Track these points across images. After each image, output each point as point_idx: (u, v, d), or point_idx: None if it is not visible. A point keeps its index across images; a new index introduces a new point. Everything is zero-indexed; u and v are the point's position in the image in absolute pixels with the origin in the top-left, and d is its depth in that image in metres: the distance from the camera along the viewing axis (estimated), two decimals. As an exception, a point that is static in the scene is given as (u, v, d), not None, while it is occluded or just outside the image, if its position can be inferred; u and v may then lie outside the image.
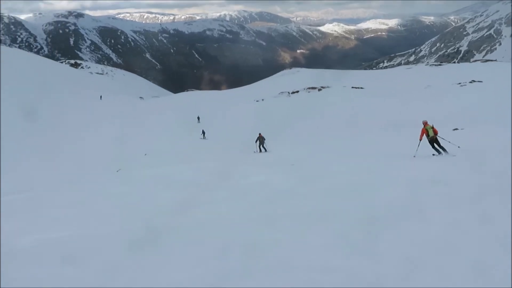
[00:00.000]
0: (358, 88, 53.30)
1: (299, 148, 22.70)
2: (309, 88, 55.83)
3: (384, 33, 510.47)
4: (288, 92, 56.07)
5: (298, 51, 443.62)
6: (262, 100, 54.94)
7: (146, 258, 5.93)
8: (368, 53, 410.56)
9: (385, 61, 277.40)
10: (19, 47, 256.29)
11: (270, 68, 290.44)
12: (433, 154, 13.54)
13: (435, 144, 13.35)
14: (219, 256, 5.84)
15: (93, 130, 42.63)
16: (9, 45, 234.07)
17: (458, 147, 13.39)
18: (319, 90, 54.77)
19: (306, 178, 13.26)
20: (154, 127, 43.98)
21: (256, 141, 22.57)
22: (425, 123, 13.65)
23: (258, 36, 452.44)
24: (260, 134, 22.86)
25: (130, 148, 32.30)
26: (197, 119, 46.87)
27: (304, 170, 14.99)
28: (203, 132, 37.90)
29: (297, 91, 55.62)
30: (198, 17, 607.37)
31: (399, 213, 7.48)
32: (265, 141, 22.77)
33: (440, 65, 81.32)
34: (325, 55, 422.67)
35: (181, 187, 12.72)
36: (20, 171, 22.76)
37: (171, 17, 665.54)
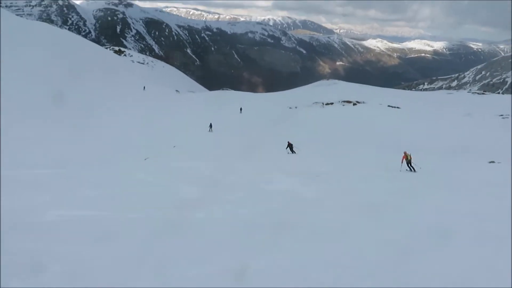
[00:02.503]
0: (395, 107, 52.13)
1: (327, 160, 22.52)
2: (344, 101, 55.03)
3: (428, 55, 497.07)
4: (323, 103, 55.44)
5: (338, 63, 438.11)
6: (295, 107, 54.69)
7: (166, 247, 6.15)
8: (409, 73, 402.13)
9: (425, 83, 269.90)
10: (69, 29, 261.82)
11: (308, 77, 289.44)
12: (406, 169, 19.33)
13: (409, 164, 19.49)
14: (231, 257, 5.92)
15: (130, 116, 43.91)
16: (60, 26, 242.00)
17: (420, 168, 18.78)
18: (354, 104, 53.87)
19: (330, 191, 13.18)
20: (186, 120, 45.02)
21: (286, 148, 25.72)
22: (405, 152, 19.46)
23: (299, 44, 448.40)
24: (289, 142, 25.91)
25: (161, 137, 33.37)
26: (239, 110, 51.49)
27: (329, 183, 14.88)
28: (211, 125, 39.63)
29: (332, 103, 54.99)
30: (242, 19, 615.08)
31: (425, 241, 7.28)
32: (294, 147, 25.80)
33: (483, 93, 78.35)
34: (365, 70, 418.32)
35: (203, 183, 12.94)
36: (54, 147, 23.69)
37: (216, 16, 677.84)
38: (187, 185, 12.57)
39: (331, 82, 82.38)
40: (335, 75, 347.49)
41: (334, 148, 30.00)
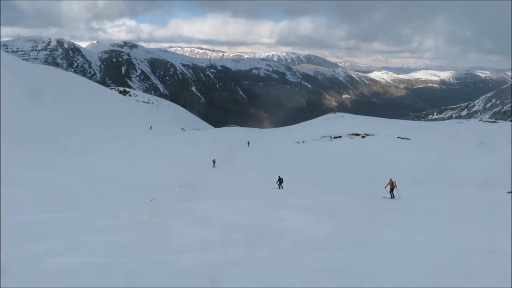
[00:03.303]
0: (405, 138, 51.45)
1: (339, 195, 21.90)
2: (352, 134, 54.79)
3: (435, 85, 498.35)
4: (330, 137, 55.32)
5: (344, 96, 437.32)
6: (303, 142, 54.61)
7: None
8: (417, 104, 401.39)
9: (435, 113, 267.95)
10: (74, 71, 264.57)
11: (314, 110, 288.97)
12: (384, 197, 20.58)
13: (391, 191, 20.64)
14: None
15: (137, 157, 43.69)
16: (65, 69, 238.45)
17: (399, 198, 20.35)
18: (363, 137, 53.35)
19: (343, 229, 12.58)
20: (191, 158, 44.75)
21: (276, 182, 26.35)
22: (391, 179, 20.88)
23: (304, 78, 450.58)
24: (279, 176, 26.67)
25: (166, 177, 32.97)
26: (247, 144, 53.41)
27: (343, 220, 14.26)
28: (214, 162, 39.69)
29: (340, 136, 54.78)
30: (246, 56, 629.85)
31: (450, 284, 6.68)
32: (283, 183, 26.48)
33: (495, 122, 77.49)
34: (372, 102, 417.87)
35: (213, 223, 12.46)
36: (61, 191, 23.38)
37: (220, 54, 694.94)
38: (196, 226, 12.12)
39: (338, 115, 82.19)
40: (341, 108, 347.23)
41: (345, 183, 29.43)
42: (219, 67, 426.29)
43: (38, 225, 10.87)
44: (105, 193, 23.94)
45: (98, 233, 10.39)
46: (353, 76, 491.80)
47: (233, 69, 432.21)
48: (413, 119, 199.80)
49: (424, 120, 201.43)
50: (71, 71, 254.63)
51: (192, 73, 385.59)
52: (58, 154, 36.31)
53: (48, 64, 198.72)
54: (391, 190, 20.60)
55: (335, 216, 14.87)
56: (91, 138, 47.66)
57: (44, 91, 58.64)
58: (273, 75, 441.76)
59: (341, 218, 14.75)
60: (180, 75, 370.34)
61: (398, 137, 51.81)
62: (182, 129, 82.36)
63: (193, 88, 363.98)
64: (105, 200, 20.69)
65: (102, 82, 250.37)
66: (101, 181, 28.96)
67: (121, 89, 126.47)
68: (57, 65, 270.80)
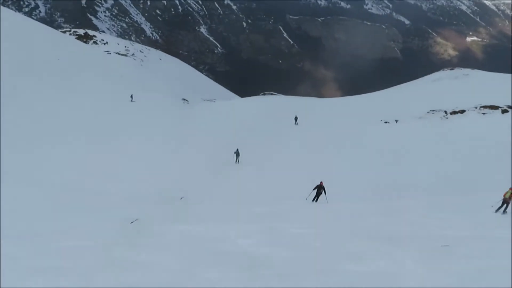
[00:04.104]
0: None
1: (460, 217, 14.31)
2: (484, 106, 36.93)
3: None
4: (445, 112, 37.66)
5: (469, 38, 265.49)
6: (396, 121, 37.49)
7: None
8: None
9: None
10: (3, 4, 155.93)
11: (415, 65, 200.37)
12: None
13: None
14: None
15: (107, 148, 29.88)
16: None
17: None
18: (505, 111, 35.38)
19: (473, 276, 7.03)
20: (199, 149, 31.96)
21: (314, 189, 18.17)
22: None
23: (397, 9, 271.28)
24: (321, 182, 18.17)
25: (159, 182, 23.38)
26: (294, 120, 39.28)
27: (468, 261, 8.27)
28: (237, 154, 28.54)
29: (463, 111, 37.01)
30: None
31: None
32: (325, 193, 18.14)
33: None
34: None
35: (236, 265, 7.77)
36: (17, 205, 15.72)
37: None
38: (208, 269, 7.53)
39: (459, 73, 54.29)
40: (464, 60, 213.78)
41: (469, 192, 20.10)
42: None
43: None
44: (56, 209, 16.22)
45: (48, 275, 6.49)
46: (486, 3, 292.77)
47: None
48: None
49: None
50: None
51: (200, 2, 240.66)
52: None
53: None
54: (504, 204, 14.69)
55: (448, 254, 8.87)
56: (25, 120, 30.46)
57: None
58: (342, 3, 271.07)
59: (459, 254, 8.73)
60: (179, 7, 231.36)
61: None
62: (183, 100, 54.20)
63: (202, 29, 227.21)
64: (56, 222, 14.04)
65: (49, 22, 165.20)
66: (49, 189, 19.98)
67: (81, 32, 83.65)
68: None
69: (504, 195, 14.74)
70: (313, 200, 18.14)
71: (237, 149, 28.83)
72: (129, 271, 7.20)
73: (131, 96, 44.13)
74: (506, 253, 8.60)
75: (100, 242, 9.70)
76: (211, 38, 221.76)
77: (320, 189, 17.98)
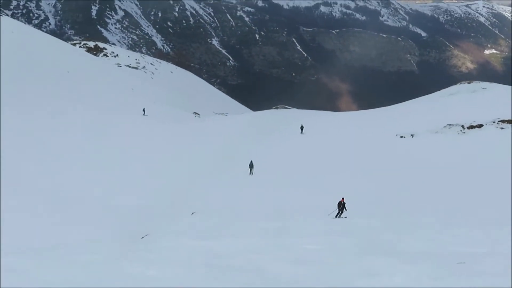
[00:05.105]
0: None
1: (481, 230, 13.78)
2: (502, 121, 36.17)
3: None
4: (463, 126, 37.30)
5: (488, 51, 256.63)
6: (412, 136, 36.80)
7: None
8: None
9: None
10: (12, 16, 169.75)
11: (431, 78, 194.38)
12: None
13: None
14: None
15: (117, 161, 30.00)
16: None
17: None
18: None
19: None
20: (211, 160, 31.57)
21: (338, 205, 18.07)
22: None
23: (414, 20, 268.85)
24: (343, 199, 18.13)
25: (170, 196, 23.24)
26: (300, 129, 40.24)
27: (491, 276, 7.91)
28: (251, 166, 28.47)
29: (480, 125, 36.62)
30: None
31: None
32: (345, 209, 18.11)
33: None
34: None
35: (237, 278, 7.59)
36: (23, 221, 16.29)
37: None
38: (219, 284, 7.44)
39: (477, 87, 53.90)
40: (483, 73, 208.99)
41: (486, 208, 19.05)
42: (259, 4, 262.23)
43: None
44: (65, 222, 16.65)
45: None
46: (505, 15, 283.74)
47: (284, 7, 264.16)
48: None
49: None
50: (6, 14, 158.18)
51: (212, 14, 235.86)
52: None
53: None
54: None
55: (464, 271, 8.52)
56: (35, 131, 31.30)
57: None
58: (357, 15, 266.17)
59: (475, 271, 8.36)
60: (191, 19, 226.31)
61: None
62: (195, 113, 55.25)
63: (214, 41, 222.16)
64: (66, 235, 14.32)
65: (58, 34, 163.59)
66: (59, 200, 20.45)
67: (91, 44, 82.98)
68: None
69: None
70: (336, 216, 18.07)
71: (251, 161, 29.13)
72: (139, 286, 7.06)
73: (143, 110, 44.61)
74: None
75: (110, 256, 9.60)
76: (223, 51, 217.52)
77: (340, 205, 18.02)
